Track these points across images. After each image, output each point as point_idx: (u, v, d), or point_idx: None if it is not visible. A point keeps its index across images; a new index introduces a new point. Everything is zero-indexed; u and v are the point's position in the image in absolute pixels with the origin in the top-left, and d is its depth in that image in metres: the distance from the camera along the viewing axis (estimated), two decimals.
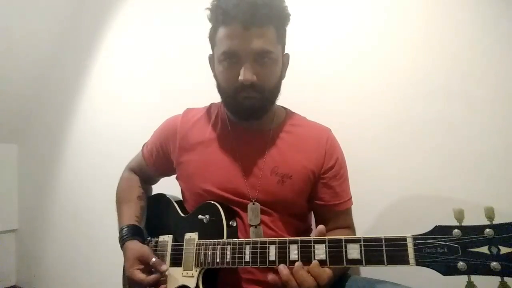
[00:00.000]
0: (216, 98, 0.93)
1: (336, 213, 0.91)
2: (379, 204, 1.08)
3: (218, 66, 0.86)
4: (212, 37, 0.87)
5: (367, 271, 1.05)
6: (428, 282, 0.76)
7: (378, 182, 1.09)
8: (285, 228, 0.88)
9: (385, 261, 0.57)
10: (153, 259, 0.85)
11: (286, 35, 0.89)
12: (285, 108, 1.01)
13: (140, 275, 0.83)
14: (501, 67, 0.93)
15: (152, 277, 0.83)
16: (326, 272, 0.65)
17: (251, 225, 0.85)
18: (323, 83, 1.23)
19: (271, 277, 0.68)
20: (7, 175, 2.48)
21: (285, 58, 0.91)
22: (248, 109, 0.85)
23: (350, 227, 0.95)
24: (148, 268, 0.86)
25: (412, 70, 1.06)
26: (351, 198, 0.94)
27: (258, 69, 0.81)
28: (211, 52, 0.91)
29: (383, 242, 0.58)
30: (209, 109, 1.00)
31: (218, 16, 0.82)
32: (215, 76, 0.89)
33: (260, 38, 0.79)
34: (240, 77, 0.80)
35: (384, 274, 0.83)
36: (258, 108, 0.86)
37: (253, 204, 0.86)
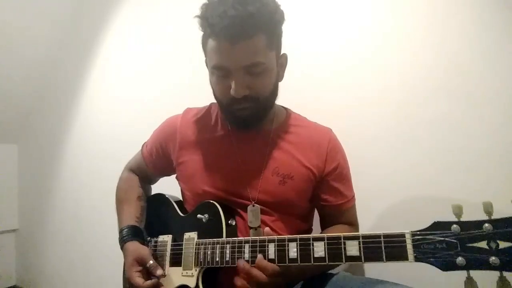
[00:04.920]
0: None
1: (340, 211, 0.92)
2: (378, 202, 1.08)
3: (211, 76, 0.86)
4: (204, 45, 0.85)
5: (368, 271, 1.05)
6: (428, 281, 0.76)
7: (378, 181, 1.09)
8: (286, 229, 0.88)
9: (384, 257, 0.57)
10: (150, 262, 0.84)
11: (281, 36, 0.86)
12: (285, 108, 1.00)
13: (137, 279, 0.82)
14: (501, 67, 0.93)
15: (149, 282, 0.82)
16: (272, 267, 0.70)
17: (250, 227, 0.84)
18: (324, 83, 1.23)
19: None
20: (7, 175, 2.49)
21: (283, 59, 0.89)
22: (244, 119, 0.85)
23: (353, 224, 0.95)
24: (147, 270, 0.85)
25: (412, 70, 1.06)
26: (354, 195, 0.94)
27: (250, 80, 0.79)
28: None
29: (382, 238, 0.58)
30: (209, 109, 1.00)
31: (206, 28, 0.79)
32: (210, 83, 0.88)
33: (248, 51, 0.76)
34: (232, 92, 0.79)
35: (384, 274, 0.83)
36: (254, 118, 0.85)
37: (253, 206, 0.86)
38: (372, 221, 1.08)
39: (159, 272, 0.83)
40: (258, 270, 0.70)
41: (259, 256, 0.71)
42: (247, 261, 0.73)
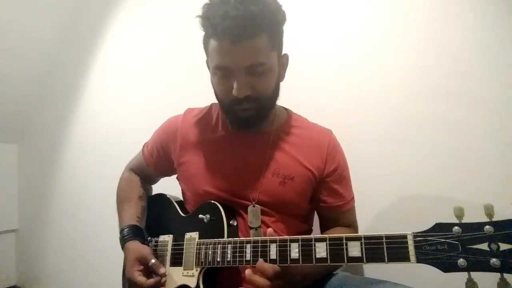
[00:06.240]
0: None
1: (340, 213, 0.92)
2: (379, 203, 1.09)
3: (212, 77, 0.86)
4: (205, 46, 0.85)
5: (368, 271, 1.06)
6: (429, 281, 0.76)
7: (379, 181, 1.09)
8: (286, 229, 0.88)
9: (386, 258, 0.57)
10: (152, 261, 0.84)
11: (282, 36, 0.86)
12: (286, 109, 1.00)
13: (139, 278, 0.82)
14: (501, 67, 0.93)
15: (151, 281, 0.82)
16: (272, 267, 0.69)
17: (251, 228, 0.85)
18: (324, 83, 1.23)
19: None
20: (7, 175, 2.48)
21: (284, 59, 0.89)
22: (245, 120, 0.85)
23: (352, 226, 0.96)
24: (148, 269, 0.85)
25: (412, 71, 1.06)
26: (353, 197, 0.95)
27: (252, 81, 0.79)
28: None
29: (384, 239, 0.58)
30: (210, 109, 1.00)
31: (207, 28, 0.79)
32: (212, 84, 0.88)
33: (250, 51, 0.76)
34: (234, 92, 0.79)
35: (384, 275, 0.83)
36: (256, 118, 0.86)
37: (254, 206, 0.86)
38: (372, 221, 1.09)
39: (161, 270, 0.83)
40: (258, 276, 0.70)
41: (260, 259, 0.71)
42: (249, 261, 0.73)
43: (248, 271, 0.71)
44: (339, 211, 0.92)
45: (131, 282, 0.84)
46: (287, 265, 0.69)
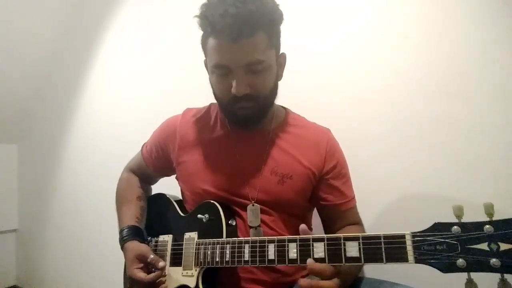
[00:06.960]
0: None
1: (342, 212, 0.91)
2: (379, 203, 1.08)
3: (211, 76, 0.86)
4: (204, 45, 0.85)
5: (367, 271, 1.05)
6: (428, 281, 0.76)
7: (378, 182, 1.09)
8: (285, 228, 0.88)
9: (384, 258, 0.57)
10: (151, 256, 0.85)
11: (280, 35, 0.86)
12: (285, 108, 1.00)
13: (139, 274, 0.83)
14: (501, 67, 0.93)
15: (152, 275, 0.83)
16: (328, 267, 0.64)
17: (250, 227, 0.84)
18: (324, 83, 1.23)
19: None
20: (7, 175, 2.49)
21: (282, 58, 0.89)
22: (244, 118, 0.85)
23: (359, 223, 0.95)
24: (147, 267, 0.86)
25: (412, 70, 1.06)
26: (354, 197, 0.94)
27: (250, 79, 0.80)
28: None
29: (382, 239, 0.58)
30: (208, 109, 1.00)
31: (206, 27, 0.80)
32: (210, 83, 0.88)
33: (249, 49, 0.77)
34: (233, 90, 0.79)
35: (384, 274, 0.83)
36: (254, 117, 0.86)
37: (253, 205, 0.86)
38: (371, 221, 1.08)
39: (161, 264, 0.84)
40: (326, 282, 0.63)
41: (310, 260, 0.65)
42: (247, 261, 0.73)
43: (305, 282, 0.63)
44: (340, 210, 0.91)
45: (132, 280, 0.85)
46: (341, 264, 0.63)
